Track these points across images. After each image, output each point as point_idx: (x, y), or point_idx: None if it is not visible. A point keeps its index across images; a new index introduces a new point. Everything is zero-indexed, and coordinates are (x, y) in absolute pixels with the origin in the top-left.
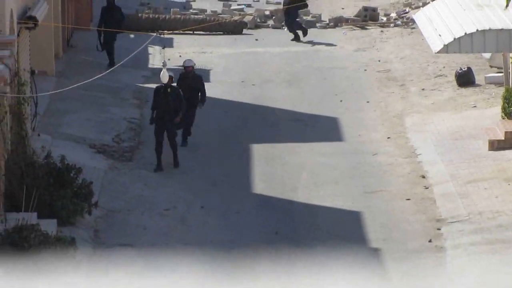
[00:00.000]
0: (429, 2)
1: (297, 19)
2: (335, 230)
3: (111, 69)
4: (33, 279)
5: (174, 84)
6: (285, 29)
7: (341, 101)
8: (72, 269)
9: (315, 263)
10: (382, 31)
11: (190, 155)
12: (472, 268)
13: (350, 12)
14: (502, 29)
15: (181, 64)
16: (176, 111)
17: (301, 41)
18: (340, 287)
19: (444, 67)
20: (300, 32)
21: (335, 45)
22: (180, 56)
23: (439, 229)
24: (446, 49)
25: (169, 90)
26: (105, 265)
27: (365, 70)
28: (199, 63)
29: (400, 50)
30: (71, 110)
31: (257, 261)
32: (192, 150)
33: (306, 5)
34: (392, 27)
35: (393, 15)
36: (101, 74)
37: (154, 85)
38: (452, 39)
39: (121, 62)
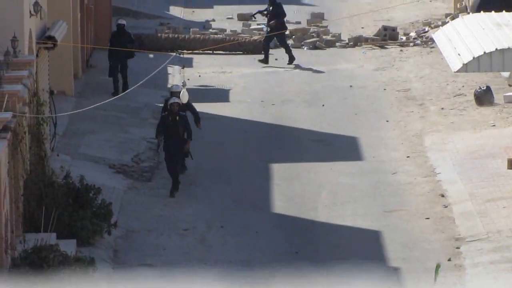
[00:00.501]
0: (448, 22)
1: (287, 43)
2: (355, 250)
3: (115, 97)
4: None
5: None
6: (305, 49)
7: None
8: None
9: (334, 282)
10: (401, 50)
11: (210, 174)
12: (491, 286)
13: (369, 31)
14: None
15: (199, 84)
16: (184, 139)
17: (267, 65)
18: None
19: (463, 86)
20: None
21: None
22: (199, 76)
23: (458, 247)
24: (465, 68)
25: (177, 118)
26: (124, 286)
27: (385, 89)
28: (219, 82)
29: (419, 69)
30: (90, 131)
31: (276, 280)
32: (212, 170)
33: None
34: (411, 46)
35: (413, 34)
36: (120, 94)
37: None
38: (471, 58)
39: (140, 82)
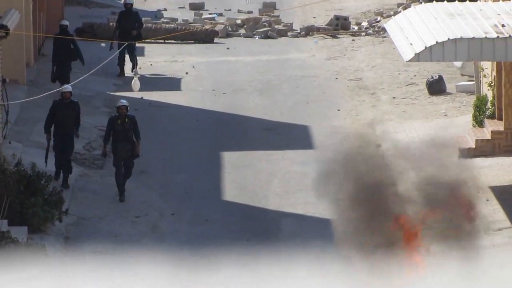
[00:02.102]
0: (400, 11)
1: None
2: (306, 237)
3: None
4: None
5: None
6: (257, 38)
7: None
8: (43, 264)
9: (280, 261)
10: (353, 40)
11: (161, 162)
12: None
13: (321, 21)
14: (473, 38)
15: (151, 73)
16: (134, 141)
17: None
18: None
19: (415, 75)
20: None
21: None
22: (151, 65)
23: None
24: (418, 57)
25: (126, 120)
26: (75, 272)
27: (336, 78)
28: (170, 71)
29: (371, 58)
30: (42, 118)
31: (226, 263)
32: (163, 158)
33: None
34: (363, 36)
35: (365, 24)
36: (72, 83)
37: (125, 94)
38: (423, 48)
39: (92, 71)
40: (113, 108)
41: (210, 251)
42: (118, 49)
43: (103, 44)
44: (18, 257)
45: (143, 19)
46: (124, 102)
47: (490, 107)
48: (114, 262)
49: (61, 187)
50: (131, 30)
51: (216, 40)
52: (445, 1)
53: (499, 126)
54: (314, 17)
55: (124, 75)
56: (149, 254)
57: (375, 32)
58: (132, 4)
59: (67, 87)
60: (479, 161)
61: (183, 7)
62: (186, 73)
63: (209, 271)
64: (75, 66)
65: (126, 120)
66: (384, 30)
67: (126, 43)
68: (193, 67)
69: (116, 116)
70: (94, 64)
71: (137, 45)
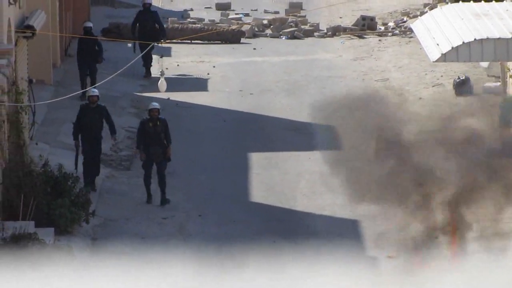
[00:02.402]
0: (427, 11)
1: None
2: (333, 239)
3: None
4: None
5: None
6: (283, 38)
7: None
8: (70, 266)
9: (307, 259)
10: (380, 40)
11: (188, 163)
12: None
13: (348, 21)
14: (499, 38)
15: (178, 73)
16: (165, 144)
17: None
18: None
19: (441, 76)
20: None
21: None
22: (178, 65)
23: (437, 237)
24: (444, 58)
25: (158, 123)
26: (102, 274)
27: (363, 79)
28: (197, 72)
29: (398, 59)
30: (69, 119)
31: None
32: (191, 159)
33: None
34: (390, 36)
35: (391, 24)
36: (99, 83)
37: (152, 94)
38: (449, 48)
39: (119, 71)
40: (140, 109)
41: (236, 252)
42: (140, 49)
43: (129, 45)
44: (45, 259)
45: (169, 19)
46: (156, 105)
47: None
48: (141, 263)
49: (88, 189)
50: (151, 30)
51: (242, 40)
52: (471, 1)
53: None
54: (340, 17)
55: (150, 75)
56: (176, 255)
57: (401, 33)
58: (150, 4)
59: (94, 91)
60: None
61: (210, 7)
62: (208, 74)
63: (236, 272)
64: (101, 67)
65: (158, 123)
66: (410, 30)
67: (151, 44)
68: (214, 66)
69: (147, 119)
70: (120, 64)
71: (164, 45)
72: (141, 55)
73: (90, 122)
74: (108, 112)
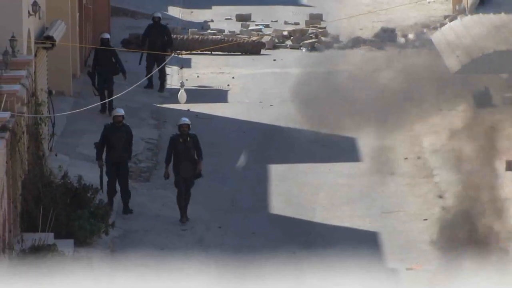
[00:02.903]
0: (447, 23)
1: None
2: (353, 250)
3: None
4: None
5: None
6: (304, 50)
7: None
8: (89, 277)
9: (326, 270)
10: (400, 52)
11: (208, 174)
12: None
13: (368, 32)
14: None
15: (198, 85)
16: (195, 160)
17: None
18: None
19: (461, 87)
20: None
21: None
22: (198, 76)
23: (456, 249)
24: (464, 69)
25: (189, 139)
26: (122, 286)
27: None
28: (217, 83)
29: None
30: (89, 130)
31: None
32: (210, 170)
33: None
34: (410, 48)
35: (411, 36)
36: (119, 94)
37: (171, 106)
38: (469, 60)
39: (139, 82)
40: (160, 120)
41: (256, 263)
42: (147, 63)
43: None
44: (64, 270)
45: (189, 30)
46: (186, 120)
47: None
48: (161, 275)
49: (124, 213)
50: (161, 44)
51: (262, 51)
52: (491, 13)
53: None
54: (360, 29)
55: (152, 87)
56: (196, 266)
57: (421, 44)
58: (160, 18)
59: (119, 111)
60: None
61: (230, 19)
62: (228, 85)
63: (255, 284)
64: (121, 78)
65: (188, 139)
66: (430, 42)
67: (171, 54)
68: (233, 78)
69: (178, 135)
70: (140, 75)
71: (184, 56)
72: (159, 67)
73: (116, 142)
74: (132, 132)
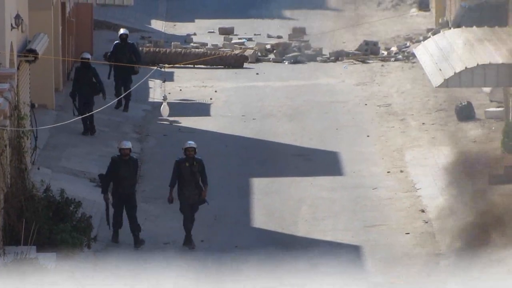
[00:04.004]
0: (430, 36)
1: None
2: (335, 264)
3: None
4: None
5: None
6: (286, 63)
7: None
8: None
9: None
10: (382, 65)
11: None
12: None
13: (351, 46)
14: (502, 64)
15: (181, 98)
16: (201, 186)
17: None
18: None
19: (444, 101)
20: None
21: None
22: (180, 90)
23: (438, 263)
24: (447, 83)
25: (195, 163)
26: None
27: (366, 104)
28: (200, 96)
29: (400, 84)
30: (71, 144)
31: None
32: None
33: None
34: (393, 61)
35: (394, 49)
36: (101, 108)
37: (154, 119)
38: (452, 74)
39: (121, 96)
40: (142, 134)
41: (239, 277)
42: (114, 79)
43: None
44: (47, 284)
45: (172, 43)
46: (192, 143)
47: None
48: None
49: (136, 246)
50: (127, 62)
51: (245, 65)
52: (474, 27)
53: None
54: (343, 42)
55: (121, 106)
56: (179, 280)
57: (404, 58)
58: (127, 35)
59: (126, 144)
60: (508, 188)
61: (213, 32)
62: (210, 99)
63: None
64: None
65: (195, 163)
66: (413, 55)
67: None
68: (216, 91)
69: (183, 159)
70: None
71: (167, 70)
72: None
73: (124, 176)
74: (137, 165)
